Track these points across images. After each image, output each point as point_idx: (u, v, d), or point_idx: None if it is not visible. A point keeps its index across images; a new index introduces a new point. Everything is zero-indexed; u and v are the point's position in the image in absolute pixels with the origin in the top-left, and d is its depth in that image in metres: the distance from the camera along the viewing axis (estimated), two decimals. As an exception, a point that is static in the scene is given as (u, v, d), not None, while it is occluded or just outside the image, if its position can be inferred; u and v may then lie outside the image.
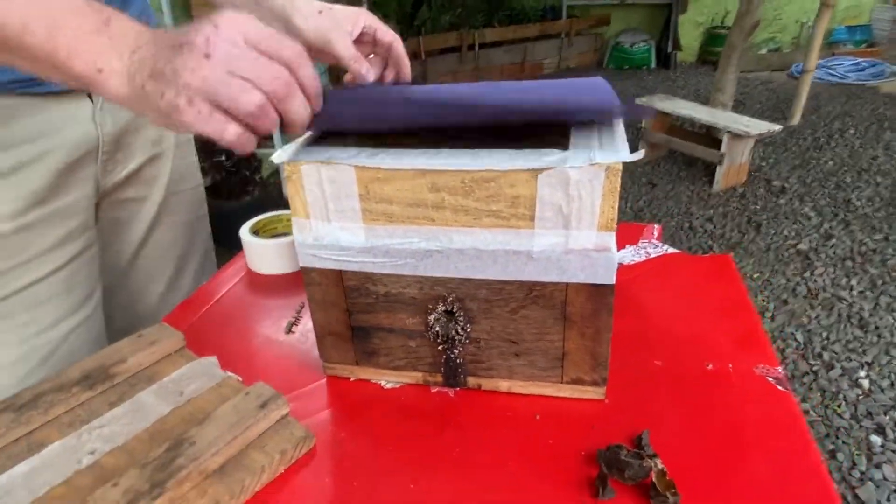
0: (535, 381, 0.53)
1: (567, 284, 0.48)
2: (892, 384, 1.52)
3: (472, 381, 0.55)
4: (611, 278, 0.46)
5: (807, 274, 2.03)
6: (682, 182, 2.87)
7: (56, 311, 0.66)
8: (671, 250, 0.79)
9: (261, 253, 0.78)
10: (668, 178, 2.94)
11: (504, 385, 0.55)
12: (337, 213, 0.49)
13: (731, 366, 0.57)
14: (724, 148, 2.64)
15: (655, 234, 0.84)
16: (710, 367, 0.57)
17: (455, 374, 0.55)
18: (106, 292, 0.77)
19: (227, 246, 2.50)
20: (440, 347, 0.53)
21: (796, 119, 3.47)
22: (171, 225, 0.81)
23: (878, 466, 1.30)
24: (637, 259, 0.77)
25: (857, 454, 1.34)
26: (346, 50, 0.58)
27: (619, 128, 0.50)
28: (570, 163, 0.43)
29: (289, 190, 0.49)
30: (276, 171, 2.93)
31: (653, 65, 5.39)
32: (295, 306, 0.71)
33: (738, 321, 0.64)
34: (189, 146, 0.85)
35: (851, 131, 3.31)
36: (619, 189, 0.43)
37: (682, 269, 0.75)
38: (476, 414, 0.53)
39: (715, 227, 2.41)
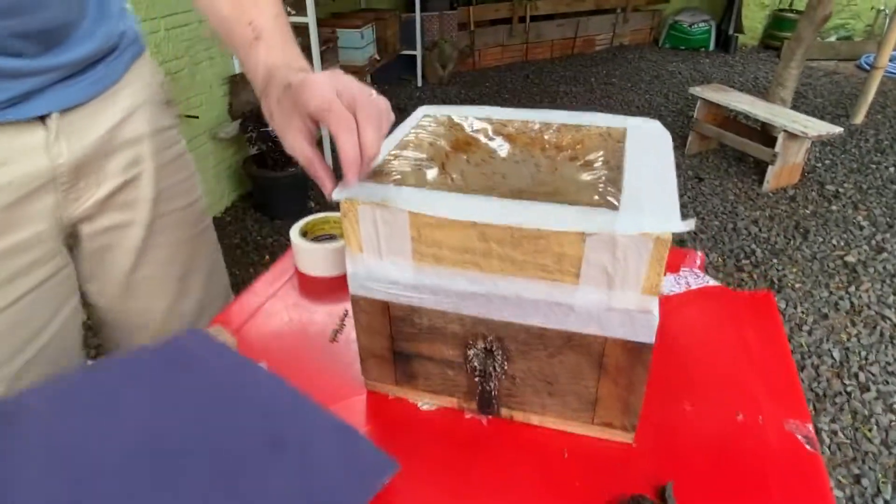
0: (566, 420, 0.56)
1: (606, 337, 0.49)
2: (930, 413, 1.49)
3: (504, 411, 0.58)
4: (650, 338, 0.48)
5: (851, 288, 1.97)
6: (730, 178, 2.79)
7: (6, 347, 0.62)
8: (712, 282, 0.79)
9: (309, 256, 0.81)
10: (715, 172, 2.86)
11: (535, 419, 0.57)
12: (389, 251, 0.51)
13: (761, 418, 0.58)
14: (778, 147, 2.54)
15: (698, 262, 0.83)
16: (741, 417, 0.58)
17: (489, 404, 0.57)
18: (106, 318, 0.77)
19: (269, 215, 2.57)
20: (476, 379, 0.56)
21: (859, 118, 3.30)
22: (164, 247, 0.76)
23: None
24: (676, 290, 0.77)
25: (883, 482, 1.33)
26: (297, 155, 0.50)
27: (672, 182, 0.51)
28: (619, 227, 0.43)
29: (344, 225, 0.51)
30: (319, 142, 2.97)
31: (711, 47, 5.16)
32: (339, 312, 0.74)
33: (773, 368, 0.64)
34: (178, 163, 0.77)
35: (919, 135, 3.13)
36: (666, 257, 0.44)
37: (721, 304, 0.75)
38: (506, 444, 0.56)
39: (760, 229, 2.35)
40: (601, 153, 0.58)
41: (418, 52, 4.06)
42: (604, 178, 0.53)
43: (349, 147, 0.46)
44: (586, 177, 0.54)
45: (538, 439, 0.56)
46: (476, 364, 0.54)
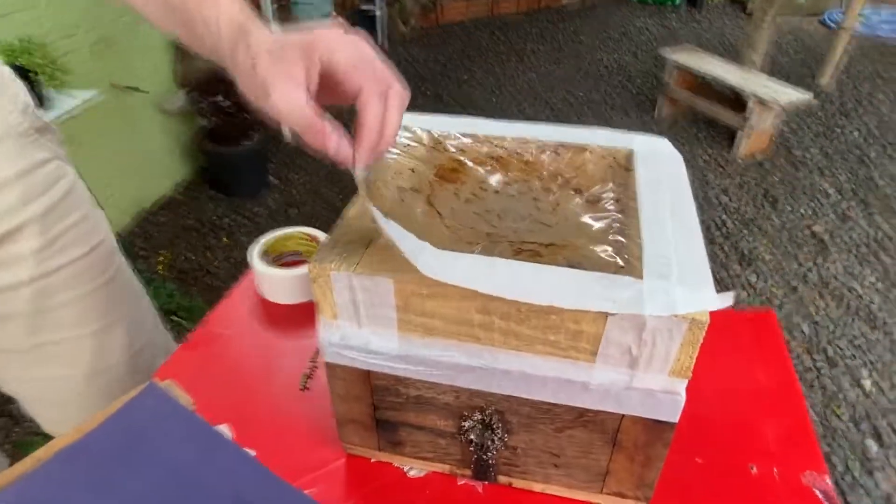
0: (572, 489, 0.50)
1: (623, 414, 0.43)
2: (894, 386, 1.53)
3: (503, 478, 0.52)
4: (674, 417, 0.42)
5: (819, 259, 1.99)
6: (700, 144, 2.76)
7: None
8: (711, 299, 0.74)
9: (273, 283, 0.72)
10: (686, 137, 2.82)
11: (538, 487, 0.51)
12: (369, 320, 0.43)
13: (776, 470, 0.54)
14: (749, 114, 2.51)
15: (694, 274, 0.78)
16: (755, 470, 0.54)
17: (485, 472, 0.51)
18: (19, 393, 0.68)
19: (225, 192, 2.41)
20: (472, 449, 0.49)
21: (825, 79, 3.30)
22: (67, 306, 0.64)
23: (870, 473, 1.32)
24: (675, 310, 0.72)
25: (852, 459, 1.36)
26: (292, 116, 0.37)
27: (697, 231, 0.44)
28: (648, 306, 0.36)
29: (314, 291, 0.43)
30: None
31: (679, 1, 5.05)
32: (310, 349, 0.66)
33: (784, 407, 0.60)
34: (67, 203, 0.63)
35: (881, 96, 3.15)
36: (701, 340, 0.37)
37: (722, 328, 0.69)
38: (506, 516, 0.50)
39: (730, 199, 2.34)
40: (609, 186, 0.50)
41: (378, 8, 3.82)
42: (616, 224, 0.46)
43: (376, 121, 0.37)
44: (594, 222, 0.47)
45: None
46: (472, 437, 0.48)
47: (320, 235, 0.76)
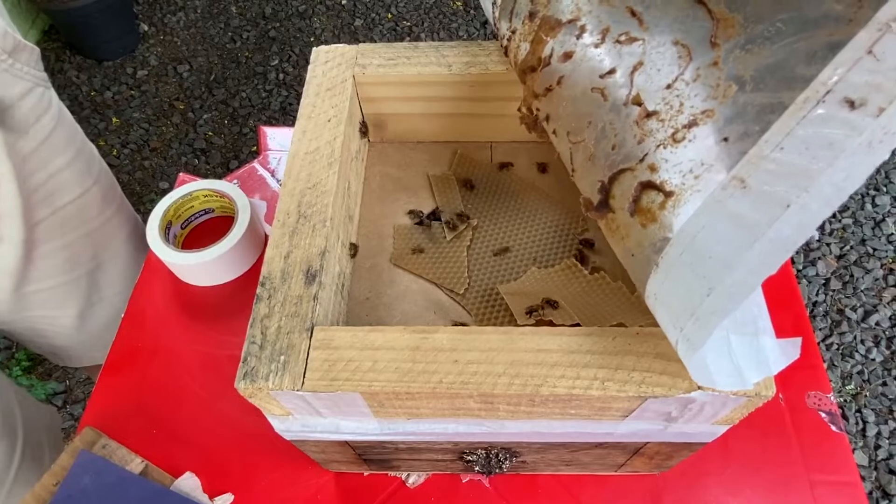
0: (586, 472, 0.47)
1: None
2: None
3: (508, 466, 0.48)
4: (709, 439, 0.36)
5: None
6: None
7: None
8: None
9: (191, 269, 0.58)
10: None
11: (548, 471, 0.48)
12: (335, 415, 0.33)
13: (781, 396, 0.52)
14: None
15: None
16: (761, 399, 0.52)
17: (491, 469, 0.47)
18: (7, 329, 0.64)
19: (93, 57, 1.98)
20: (477, 469, 0.44)
21: None
22: (55, 253, 0.60)
23: (812, 263, 1.41)
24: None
25: (796, 252, 1.44)
26: None
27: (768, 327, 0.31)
28: (699, 392, 0.28)
29: (252, 401, 0.32)
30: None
31: None
32: (258, 341, 0.56)
33: (780, 304, 0.56)
34: (53, 143, 0.55)
35: None
36: (760, 404, 0.30)
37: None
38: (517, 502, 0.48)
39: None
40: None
41: None
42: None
43: None
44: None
45: (552, 488, 0.48)
46: (477, 468, 0.42)
47: (230, 192, 0.60)
